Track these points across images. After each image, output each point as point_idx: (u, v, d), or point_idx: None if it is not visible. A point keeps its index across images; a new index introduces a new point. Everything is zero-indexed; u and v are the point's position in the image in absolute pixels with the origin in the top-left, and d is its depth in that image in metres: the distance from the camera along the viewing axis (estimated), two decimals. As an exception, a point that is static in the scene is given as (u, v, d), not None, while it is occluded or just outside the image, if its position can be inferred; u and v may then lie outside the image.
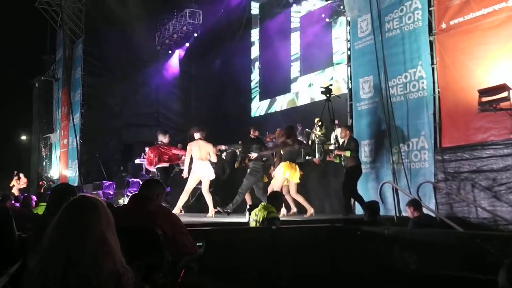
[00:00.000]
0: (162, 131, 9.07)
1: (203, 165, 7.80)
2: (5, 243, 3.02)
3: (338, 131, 8.94)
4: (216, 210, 7.85)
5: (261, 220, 5.53)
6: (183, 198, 7.80)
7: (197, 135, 7.93)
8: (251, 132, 8.28)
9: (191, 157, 7.93)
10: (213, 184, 8.59)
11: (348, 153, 7.73)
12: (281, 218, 5.84)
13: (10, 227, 3.10)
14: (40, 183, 18.18)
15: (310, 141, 11.00)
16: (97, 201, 1.86)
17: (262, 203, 5.87)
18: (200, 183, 7.98)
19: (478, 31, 7.00)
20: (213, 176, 7.91)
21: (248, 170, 8.12)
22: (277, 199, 5.76)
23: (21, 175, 17.44)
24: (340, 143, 8.30)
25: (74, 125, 13.91)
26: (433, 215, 6.85)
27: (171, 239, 2.95)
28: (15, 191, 16.10)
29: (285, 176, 7.61)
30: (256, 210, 5.62)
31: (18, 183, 16.97)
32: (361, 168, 7.88)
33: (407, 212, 6.10)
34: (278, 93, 14.96)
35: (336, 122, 9.27)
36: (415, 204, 5.95)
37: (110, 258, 1.73)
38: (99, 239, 1.75)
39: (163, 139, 8.64)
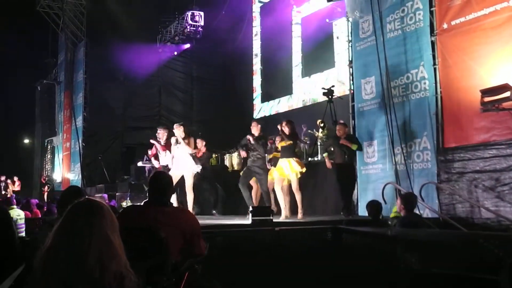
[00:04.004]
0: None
1: (185, 161, 7.71)
2: (7, 244, 3.02)
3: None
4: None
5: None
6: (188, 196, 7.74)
7: (178, 132, 7.81)
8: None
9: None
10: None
11: (355, 147, 7.92)
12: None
13: (11, 228, 3.10)
14: (43, 181, 18.19)
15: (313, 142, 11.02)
16: (102, 204, 1.88)
17: None
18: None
19: (479, 31, 6.99)
20: (198, 169, 7.80)
21: (256, 170, 8.11)
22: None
23: (15, 178, 17.40)
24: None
25: (77, 128, 13.96)
26: (435, 215, 6.86)
27: (189, 240, 2.97)
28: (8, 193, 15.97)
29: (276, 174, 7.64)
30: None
31: (13, 186, 16.93)
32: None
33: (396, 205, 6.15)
34: (280, 94, 14.95)
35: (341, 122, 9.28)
36: (406, 201, 5.48)
37: (114, 260, 1.75)
38: (103, 242, 1.76)
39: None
